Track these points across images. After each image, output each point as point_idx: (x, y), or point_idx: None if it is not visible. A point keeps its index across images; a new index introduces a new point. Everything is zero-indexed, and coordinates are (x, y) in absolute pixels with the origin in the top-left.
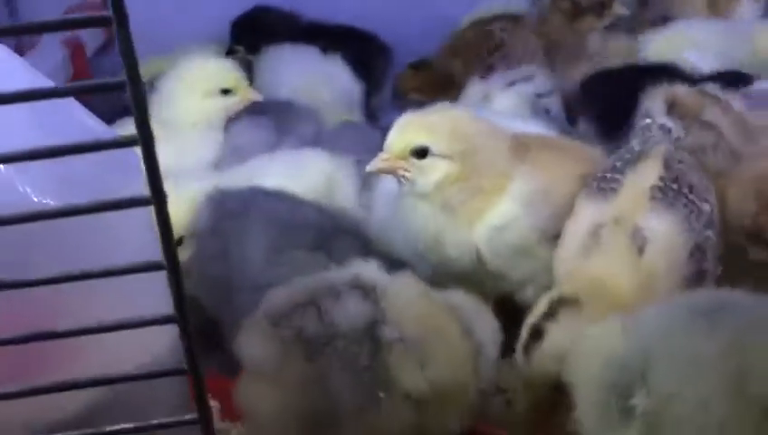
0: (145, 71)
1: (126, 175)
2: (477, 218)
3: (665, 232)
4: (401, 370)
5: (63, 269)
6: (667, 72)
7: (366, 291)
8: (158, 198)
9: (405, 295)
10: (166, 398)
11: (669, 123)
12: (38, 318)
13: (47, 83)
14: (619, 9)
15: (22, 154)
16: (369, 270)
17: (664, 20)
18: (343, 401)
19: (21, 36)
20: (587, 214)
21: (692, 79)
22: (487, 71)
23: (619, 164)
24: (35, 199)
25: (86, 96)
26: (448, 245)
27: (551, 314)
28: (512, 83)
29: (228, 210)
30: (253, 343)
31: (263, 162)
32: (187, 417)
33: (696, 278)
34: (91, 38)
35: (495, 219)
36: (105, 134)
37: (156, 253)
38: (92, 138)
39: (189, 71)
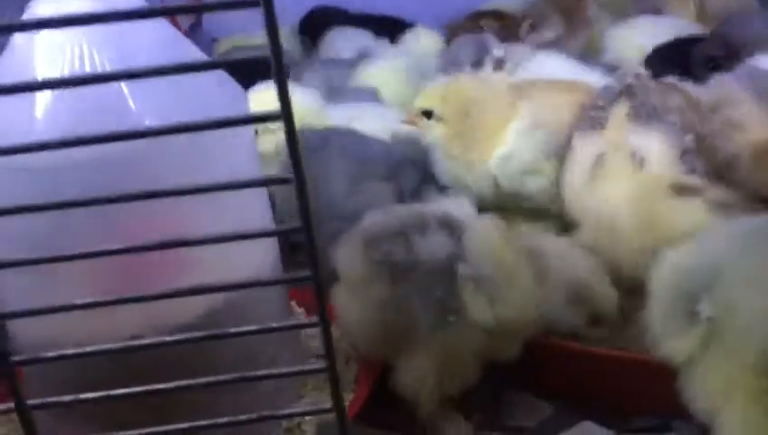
0: (227, 45)
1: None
2: (489, 154)
3: (655, 147)
4: (471, 303)
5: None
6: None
7: (452, 229)
8: (286, 111)
9: (485, 237)
10: (269, 311)
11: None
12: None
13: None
14: None
15: (148, 70)
16: (459, 208)
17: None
18: (418, 321)
19: None
20: (586, 146)
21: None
22: None
23: (601, 102)
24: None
25: None
26: (467, 179)
27: None
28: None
29: (311, 146)
30: (347, 259)
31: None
32: (310, 320)
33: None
34: (183, 19)
35: (502, 151)
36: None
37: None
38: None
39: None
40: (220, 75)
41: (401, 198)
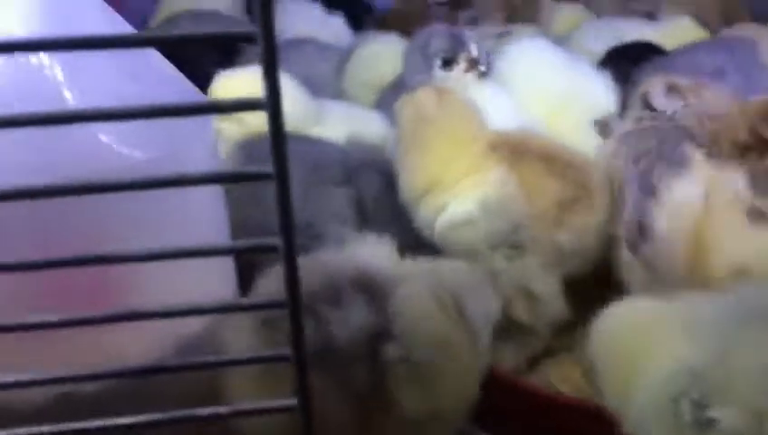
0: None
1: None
2: (442, 207)
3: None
4: (402, 393)
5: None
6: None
7: (372, 293)
8: (273, 99)
9: (416, 303)
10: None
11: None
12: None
13: (127, 27)
14: None
15: (128, 111)
16: (373, 257)
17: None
18: (337, 418)
19: None
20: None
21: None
22: None
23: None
24: (118, 150)
25: None
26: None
27: None
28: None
29: (256, 156)
30: (241, 344)
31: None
32: (287, 402)
33: None
34: None
35: (451, 215)
36: (183, 82)
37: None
38: (174, 87)
39: None
40: (175, 77)
41: (361, 205)
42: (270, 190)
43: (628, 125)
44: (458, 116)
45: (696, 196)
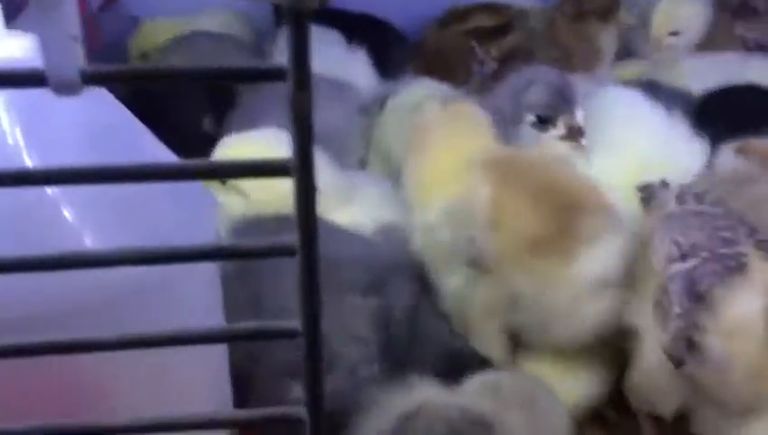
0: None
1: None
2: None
3: None
4: None
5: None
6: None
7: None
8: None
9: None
10: None
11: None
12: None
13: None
14: (627, 19)
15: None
16: (474, 397)
17: None
18: None
19: None
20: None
21: None
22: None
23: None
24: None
25: None
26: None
27: None
28: None
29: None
30: None
31: None
32: None
33: None
34: None
35: (421, 221)
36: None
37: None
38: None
39: None
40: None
41: (387, 319)
42: (271, 294)
43: (672, 203)
44: (457, 130)
45: (758, 309)
